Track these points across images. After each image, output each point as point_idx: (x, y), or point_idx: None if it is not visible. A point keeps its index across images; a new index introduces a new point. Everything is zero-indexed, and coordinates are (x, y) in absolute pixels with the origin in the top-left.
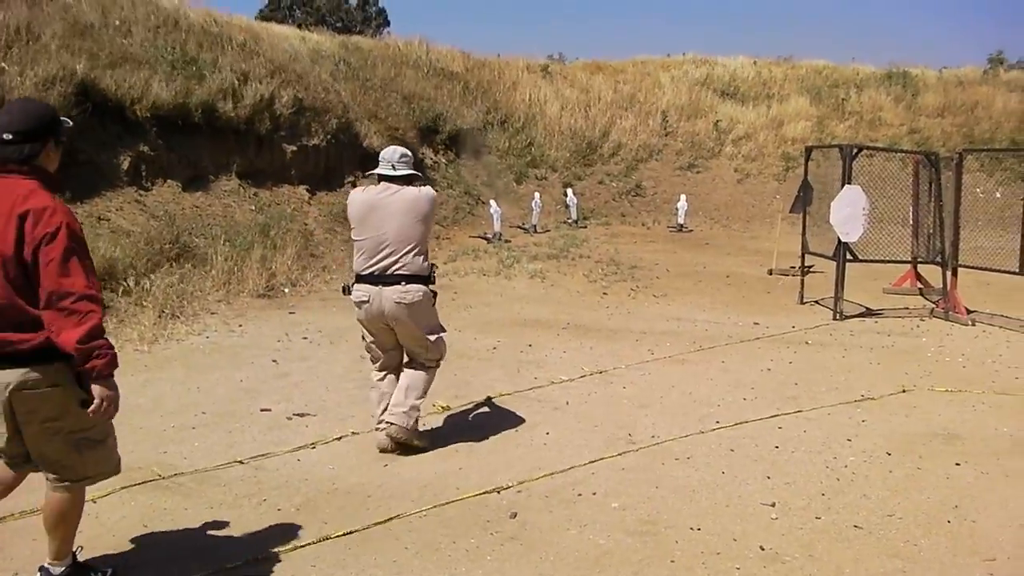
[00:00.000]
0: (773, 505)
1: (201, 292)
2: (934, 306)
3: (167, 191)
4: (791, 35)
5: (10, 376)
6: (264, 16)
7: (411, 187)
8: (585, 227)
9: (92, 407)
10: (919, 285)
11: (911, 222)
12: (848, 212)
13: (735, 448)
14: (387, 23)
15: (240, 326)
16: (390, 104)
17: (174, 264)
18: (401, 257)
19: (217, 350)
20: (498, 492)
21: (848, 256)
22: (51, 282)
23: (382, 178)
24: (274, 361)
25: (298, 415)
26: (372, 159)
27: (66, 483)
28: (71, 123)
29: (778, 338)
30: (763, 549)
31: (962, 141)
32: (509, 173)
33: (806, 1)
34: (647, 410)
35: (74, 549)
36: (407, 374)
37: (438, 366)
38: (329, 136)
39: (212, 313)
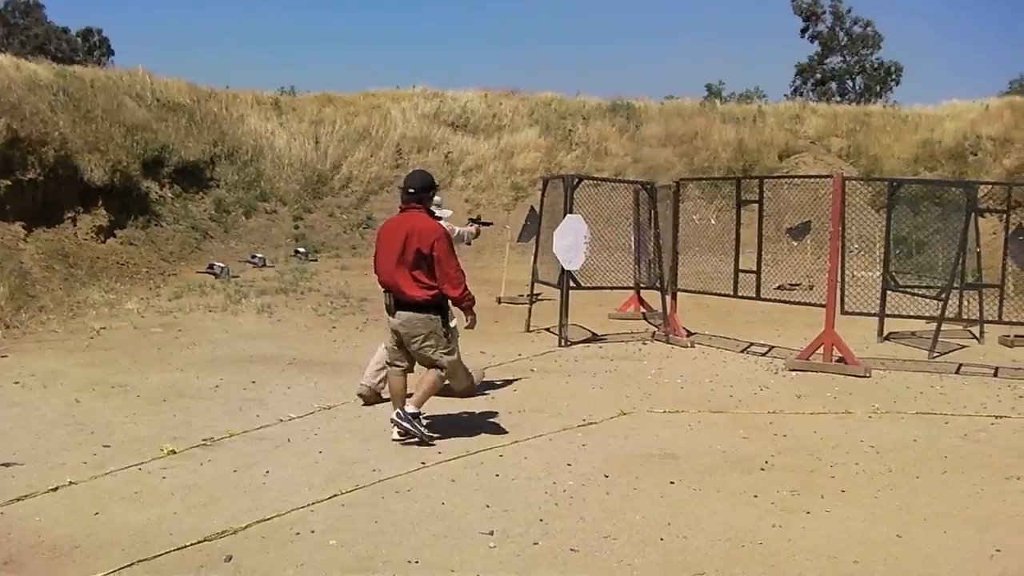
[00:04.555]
0: (492, 533)
1: None
2: (656, 329)
3: None
4: (519, 67)
5: None
6: None
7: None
8: (315, 260)
9: None
10: (642, 310)
11: (633, 249)
12: (570, 241)
13: (456, 479)
14: (111, 52)
15: None
16: (112, 136)
17: None
18: None
19: None
20: (212, 539)
21: (572, 283)
22: None
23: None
24: None
25: (3, 465)
26: (94, 194)
27: None
28: None
29: (504, 367)
30: None
31: (683, 170)
32: (238, 207)
33: (533, 34)
34: (369, 444)
35: None
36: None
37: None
38: (47, 169)
39: None
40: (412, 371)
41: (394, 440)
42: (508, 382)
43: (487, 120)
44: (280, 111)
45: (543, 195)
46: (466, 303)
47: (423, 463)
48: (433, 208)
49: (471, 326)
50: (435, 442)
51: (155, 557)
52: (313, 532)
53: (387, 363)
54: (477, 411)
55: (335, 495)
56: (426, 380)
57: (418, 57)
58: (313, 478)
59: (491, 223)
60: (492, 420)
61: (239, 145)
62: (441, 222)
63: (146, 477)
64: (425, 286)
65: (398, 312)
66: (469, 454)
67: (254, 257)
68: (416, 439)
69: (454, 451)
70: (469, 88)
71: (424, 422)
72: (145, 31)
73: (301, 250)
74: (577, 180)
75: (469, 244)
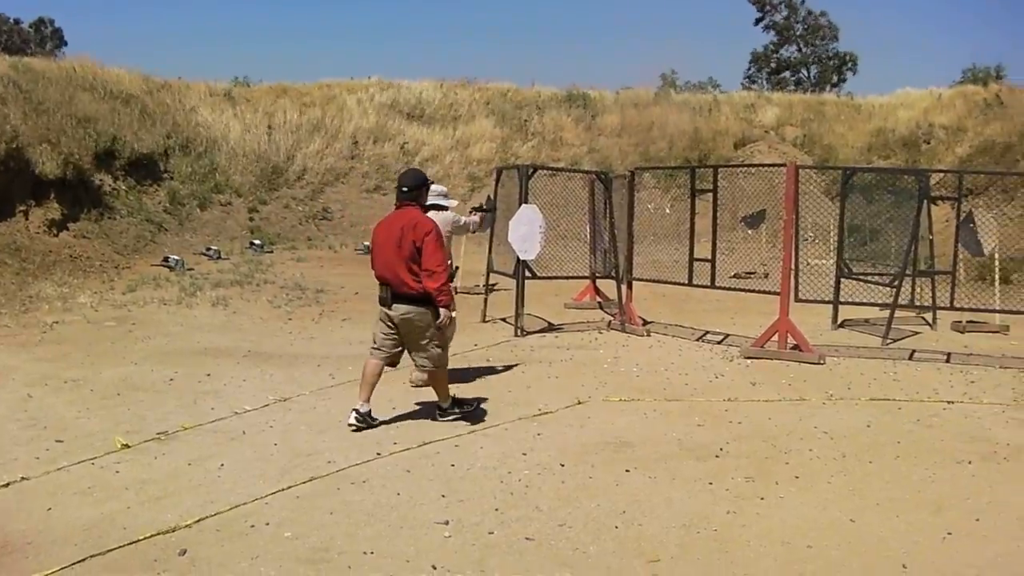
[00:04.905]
0: (447, 523)
1: None
2: (611, 319)
3: None
4: (475, 57)
5: None
6: None
7: (434, 211)
8: (271, 252)
9: None
10: (598, 299)
11: (589, 239)
12: (525, 231)
13: (412, 469)
14: (63, 43)
15: None
16: (64, 128)
17: None
18: None
19: None
20: (166, 533)
21: (527, 273)
22: None
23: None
24: None
25: None
26: (46, 187)
27: None
28: None
29: (460, 357)
30: (435, 568)
31: (639, 159)
32: (192, 199)
33: (489, 24)
34: (325, 436)
35: None
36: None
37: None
38: None
39: None
40: (395, 365)
41: (351, 426)
42: (464, 372)
43: (443, 110)
44: (234, 102)
45: (497, 185)
46: (441, 297)
47: (378, 454)
48: (439, 199)
49: (441, 322)
50: (391, 432)
51: (109, 552)
52: (268, 524)
53: (371, 348)
54: (432, 401)
55: (290, 487)
56: (436, 385)
57: (373, 47)
58: (268, 470)
59: (494, 208)
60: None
61: (193, 137)
62: (448, 212)
63: (99, 472)
64: (420, 279)
65: (395, 305)
66: (424, 444)
67: (209, 249)
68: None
69: (409, 441)
70: (424, 78)
71: (458, 409)
72: (98, 21)
73: (256, 242)
74: (532, 170)
75: (474, 232)
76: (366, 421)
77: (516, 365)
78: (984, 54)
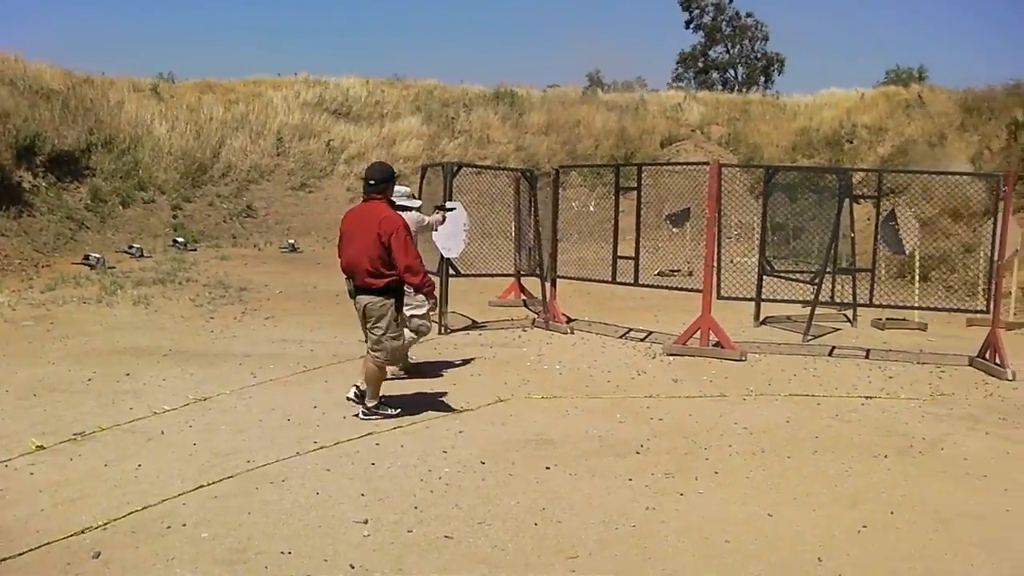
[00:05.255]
0: (366, 522)
1: None
2: (536, 316)
3: None
4: (402, 54)
5: None
6: None
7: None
8: (195, 250)
9: None
10: (523, 297)
11: (514, 236)
12: (450, 228)
13: (331, 468)
14: None
15: None
16: None
17: None
18: None
19: None
20: (79, 535)
21: (451, 271)
22: None
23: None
24: None
25: None
26: None
27: None
28: None
29: None
30: (353, 567)
31: (566, 158)
32: (115, 196)
33: (416, 20)
34: (244, 435)
35: None
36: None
37: (418, 335)
38: None
39: None
40: None
41: (355, 416)
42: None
43: (369, 108)
44: (159, 98)
45: (422, 183)
46: (426, 289)
47: (297, 452)
48: (404, 200)
49: (432, 308)
50: (311, 430)
51: (20, 555)
52: (185, 525)
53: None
54: (353, 399)
55: (208, 486)
56: (368, 377)
57: (300, 44)
58: (186, 470)
59: (455, 207)
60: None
61: (116, 133)
62: (413, 212)
63: (13, 474)
64: (383, 273)
65: (358, 296)
66: (344, 442)
67: (131, 247)
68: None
69: (329, 440)
70: (351, 75)
71: (388, 410)
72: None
73: (180, 240)
74: (457, 167)
75: (436, 231)
76: (378, 414)
77: (439, 363)
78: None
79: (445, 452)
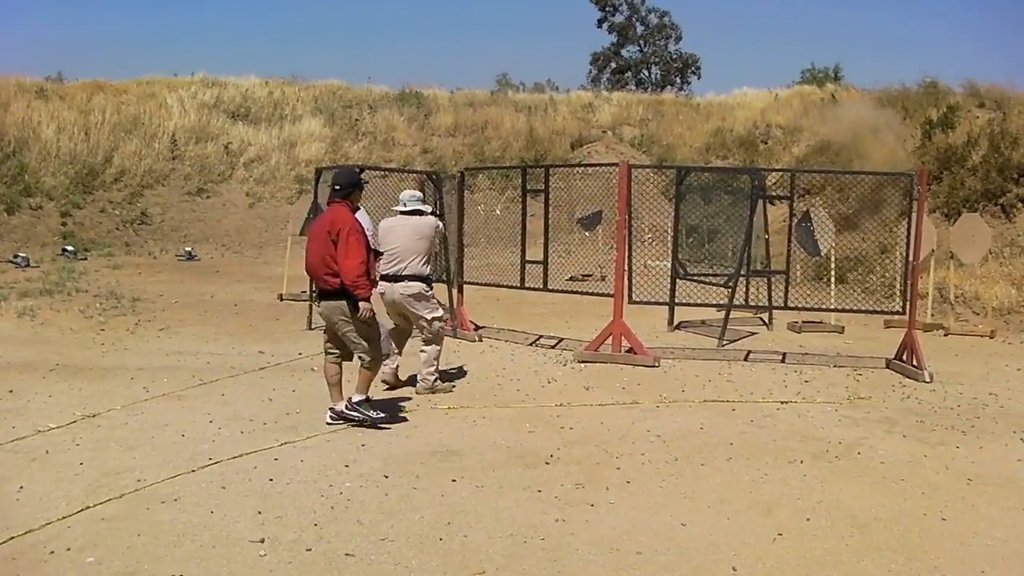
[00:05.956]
0: (263, 541)
1: None
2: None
3: None
4: (302, 54)
5: None
6: None
7: (416, 216)
8: (85, 259)
9: None
10: None
11: None
12: None
13: (227, 485)
14: None
15: None
16: None
17: None
18: (408, 263)
19: None
20: None
21: None
22: None
23: (399, 212)
24: None
25: None
26: None
27: None
28: None
29: (283, 366)
30: None
31: (473, 160)
32: None
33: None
34: (135, 453)
35: None
36: (422, 351)
37: (437, 339)
38: None
39: None
40: (349, 359)
41: (328, 424)
42: (287, 381)
43: (268, 109)
44: (47, 99)
45: (316, 185)
46: (358, 291)
47: (192, 470)
48: (419, 205)
49: (361, 316)
50: (206, 446)
51: None
52: (69, 549)
53: (323, 350)
54: (252, 412)
55: (95, 508)
56: (361, 375)
57: (196, 43)
58: (72, 491)
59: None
60: (267, 422)
61: (0, 135)
62: (431, 217)
63: None
64: (337, 272)
65: (321, 301)
66: (241, 457)
67: (16, 257)
68: (362, 423)
69: (225, 455)
70: (250, 75)
71: (361, 413)
72: None
73: (69, 248)
74: (358, 170)
75: None
76: (343, 416)
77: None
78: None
79: (347, 466)
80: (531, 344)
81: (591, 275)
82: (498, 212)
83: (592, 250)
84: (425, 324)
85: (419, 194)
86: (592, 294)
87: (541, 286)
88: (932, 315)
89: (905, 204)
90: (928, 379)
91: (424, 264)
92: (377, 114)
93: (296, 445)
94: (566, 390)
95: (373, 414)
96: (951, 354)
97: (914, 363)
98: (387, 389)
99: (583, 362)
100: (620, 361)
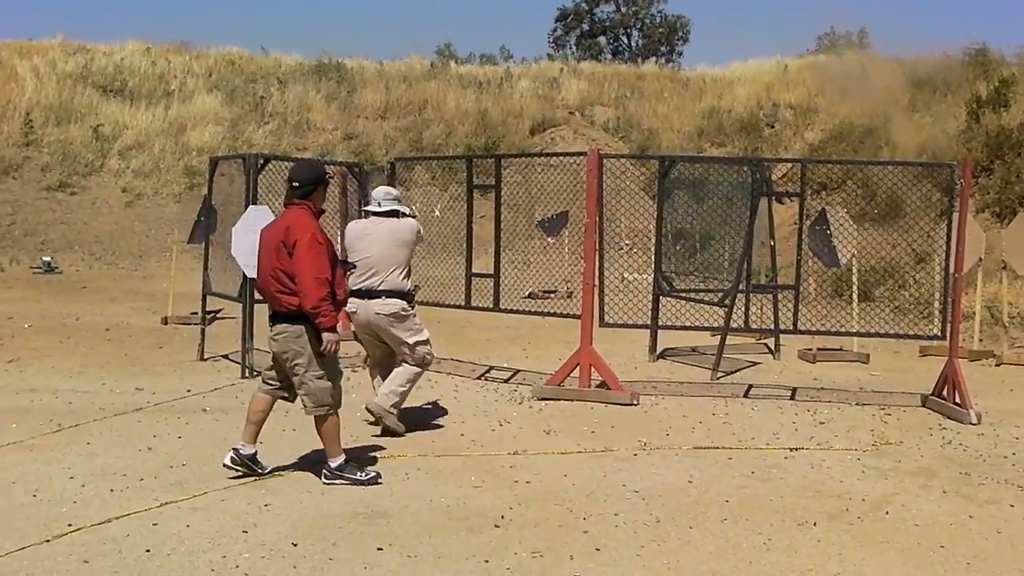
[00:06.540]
0: None
1: None
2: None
3: None
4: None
5: None
6: None
7: (393, 219)
8: None
9: None
10: (352, 328)
11: (340, 249)
12: (253, 240)
13: (90, 559)
14: None
15: None
16: None
17: None
18: (384, 276)
19: None
20: None
21: (258, 296)
22: None
23: (371, 213)
24: None
25: None
26: None
27: None
28: None
29: (167, 407)
30: None
31: (409, 148)
32: None
33: None
34: None
35: None
36: (396, 369)
37: (423, 368)
38: None
39: None
40: (292, 399)
41: (226, 466)
42: (172, 426)
43: (151, 83)
44: None
45: (211, 180)
46: (320, 319)
47: (46, 540)
48: (397, 205)
49: (325, 350)
50: (66, 509)
51: None
52: None
53: (262, 378)
54: (125, 466)
55: None
56: (322, 434)
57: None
58: None
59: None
60: (144, 477)
61: None
62: (411, 219)
63: None
64: (292, 289)
65: (272, 324)
66: (110, 522)
67: None
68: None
69: (90, 520)
70: (128, 40)
71: (358, 473)
72: None
73: None
74: (262, 160)
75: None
76: (247, 465)
77: (241, 416)
78: (844, 18)
79: (245, 532)
80: (479, 377)
81: (554, 292)
82: (437, 213)
83: (556, 260)
84: (407, 351)
85: (395, 191)
86: (555, 315)
87: (492, 305)
88: (980, 340)
89: (945, 202)
90: (975, 420)
91: (404, 277)
92: (288, 90)
93: (181, 506)
94: (521, 434)
95: (363, 476)
96: (1004, 389)
97: (956, 400)
98: (373, 423)
99: (543, 399)
100: (589, 398)
